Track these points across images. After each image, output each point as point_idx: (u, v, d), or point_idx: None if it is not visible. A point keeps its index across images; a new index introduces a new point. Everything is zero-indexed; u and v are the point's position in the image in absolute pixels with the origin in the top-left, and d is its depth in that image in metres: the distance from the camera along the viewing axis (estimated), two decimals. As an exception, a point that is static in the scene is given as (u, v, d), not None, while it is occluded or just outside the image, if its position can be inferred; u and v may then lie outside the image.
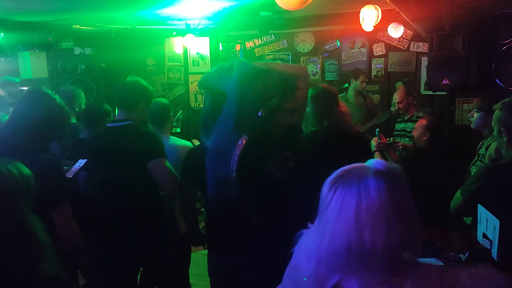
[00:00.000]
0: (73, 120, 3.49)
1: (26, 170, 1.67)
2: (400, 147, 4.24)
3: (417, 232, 1.20)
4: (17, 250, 1.47)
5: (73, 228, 2.17)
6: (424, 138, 3.74)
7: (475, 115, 3.44)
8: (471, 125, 3.55)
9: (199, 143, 4.76)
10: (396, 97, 4.63)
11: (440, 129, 3.89)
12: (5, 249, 1.45)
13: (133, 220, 2.64)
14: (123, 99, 2.76)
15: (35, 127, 2.19)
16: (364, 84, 5.18)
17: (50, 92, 2.35)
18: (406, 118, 4.66)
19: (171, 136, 3.35)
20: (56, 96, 2.33)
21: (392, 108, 4.74)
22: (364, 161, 1.24)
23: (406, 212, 1.17)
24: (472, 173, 3.19)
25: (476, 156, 3.30)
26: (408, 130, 4.57)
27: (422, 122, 3.81)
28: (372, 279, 1.11)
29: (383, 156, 4.15)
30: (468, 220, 3.28)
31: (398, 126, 4.74)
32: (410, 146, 4.21)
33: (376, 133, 4.16)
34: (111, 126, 2.77)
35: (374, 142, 4.14)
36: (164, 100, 3.45)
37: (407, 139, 4.55)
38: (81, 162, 2.64)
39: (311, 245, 1.19)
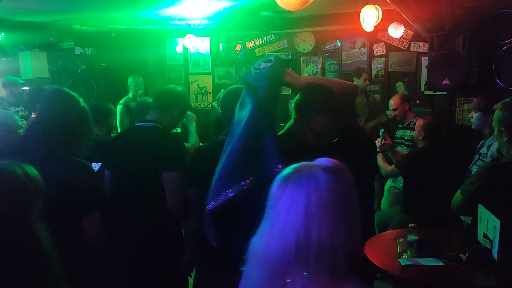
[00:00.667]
0: None
1: (34, 173, 1.58)
2: (384, 142, 4.24)
3: (358, 230, 1.20)
4: (15, 256, 1.39)
5: (102, 232, 2.14)
6: (420, 138, 3.78)
7: (474, 115, 3.46)
8: (472, 126, 3.57)
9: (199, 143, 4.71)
10: (391, 104, 4.63)
11: (438, 129, 3.91)
12: (2, 255, 1.37)
13: (139, 223, 2.58)
14: (159, 101, 2.74)
15: (68, 128, 2.13)
16: (367, 82, 5.17)
17: (74, 93, 2.28)
18: (404, 125, 4.66)
19: None
20: (80, 98, 2.28)
21: (389, 113, 4.74)
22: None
23: (351, 208, 1.19)
24: (472, 173, 3.20)
25: (477, 156, 3.31)
26: (406, 138, 4.56)
27: (420, 122, 3.86)
28: (317, 281, 1.13)
29: (386, 157, 4.15)
30: (467, 219, 3.28)
31: (398, 133, 4.74)
32: (403, 154, 4.23)
33: (381, 134, 4.15)
34: (138, 125, 2.74)
35: (378, 143, 4.14)
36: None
37: (404, 147, 4.55)
38: (95, 166, 2.60)
39: (261, 244, 1.20)
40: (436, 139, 3.80)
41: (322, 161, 1.23)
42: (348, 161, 2.06)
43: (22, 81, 5.35)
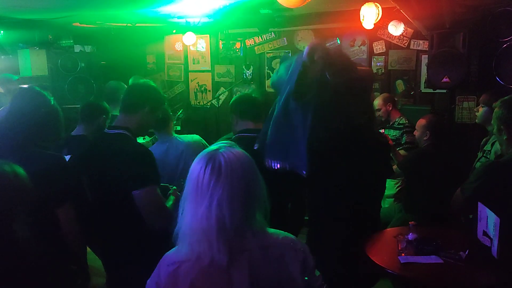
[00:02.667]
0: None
1: (21, 171, 1.61)
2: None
3: (254, 211, 1.40)
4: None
5: (76, 226, 2.17)
6: (425, 138, 3.76)
7: (481, 109, 3.48)
8: (476, 120, 3.58)
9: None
10: (375, 104, 4.62)
11: (441, 127, 3.90)
12: None
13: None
14: (125, 101, 2.47)
15: (35, 124, 2.18)
16: None
17: (45, 92, 2.33)
18: (389, 124, 4.65)
19: (177, 136, 3.33)
20: (51, 97, 2.32)
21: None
22: None
23: (250, 191, 1.39)
24: None
25: (481, 153, 3.31)
26: (390, 137, 4.55)
27: (422, 121, 3.82)
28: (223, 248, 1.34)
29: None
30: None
31: (385, 132, 4.74)
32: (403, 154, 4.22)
33: None
34: (106, 132, 2.49)
35: None
36: None
37: None
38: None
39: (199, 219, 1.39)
40: (440, 139, 3.79)
41: (224, 145, 1.44)
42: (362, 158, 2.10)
43: (17, 78, 5.33)
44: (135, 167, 2.23)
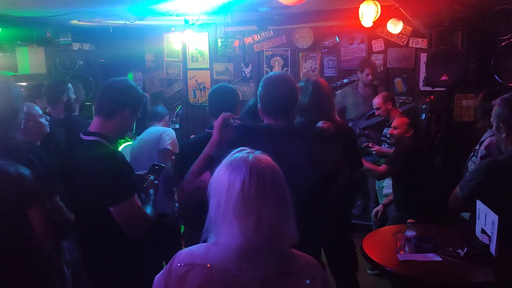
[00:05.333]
0: None
1: (25, 170, 1.64)
2: (374, 152, 4.29)
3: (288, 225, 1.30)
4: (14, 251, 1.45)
5: (49, 225, 2.10)
6: (408, 135, 3.83)
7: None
8: None
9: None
10: (374, 103, 4.63)
11: (421, 124, 3.97)
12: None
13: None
14: (101, 103, 2.16)
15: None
16: (370, 77, 5.13)
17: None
18: (388, 123, 4.64)
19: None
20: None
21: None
22: None
23: (289, 203, 1.30)
24: (469, 168, 3.22)
25: (473, 152, 3.33)
26: (388, 136, 4.55)
27: (404, 120, 3.87)
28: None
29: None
30: (464, 214, 3.29)
31: (385, 130, 4.75)
32: (386, 151, 4.24)
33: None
34: (81, 138, 2.17)
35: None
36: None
37: (386, 145, 4.54)
38: None
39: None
40: (419, 135, 3.86)
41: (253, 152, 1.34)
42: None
43: (12, 74, 5.30)
44: (110, 183, 2.03)
